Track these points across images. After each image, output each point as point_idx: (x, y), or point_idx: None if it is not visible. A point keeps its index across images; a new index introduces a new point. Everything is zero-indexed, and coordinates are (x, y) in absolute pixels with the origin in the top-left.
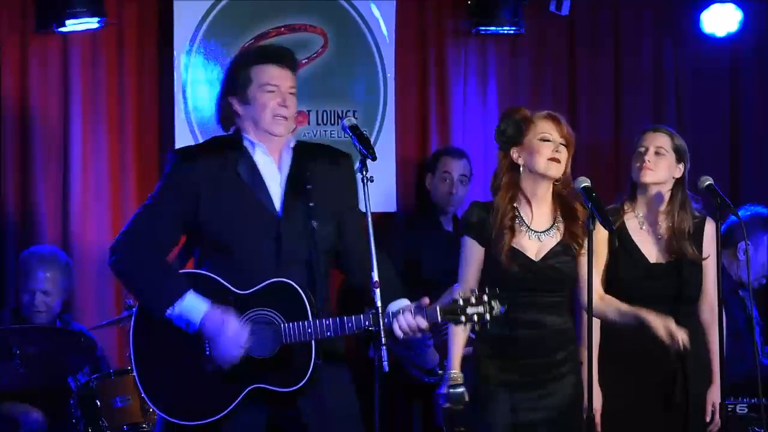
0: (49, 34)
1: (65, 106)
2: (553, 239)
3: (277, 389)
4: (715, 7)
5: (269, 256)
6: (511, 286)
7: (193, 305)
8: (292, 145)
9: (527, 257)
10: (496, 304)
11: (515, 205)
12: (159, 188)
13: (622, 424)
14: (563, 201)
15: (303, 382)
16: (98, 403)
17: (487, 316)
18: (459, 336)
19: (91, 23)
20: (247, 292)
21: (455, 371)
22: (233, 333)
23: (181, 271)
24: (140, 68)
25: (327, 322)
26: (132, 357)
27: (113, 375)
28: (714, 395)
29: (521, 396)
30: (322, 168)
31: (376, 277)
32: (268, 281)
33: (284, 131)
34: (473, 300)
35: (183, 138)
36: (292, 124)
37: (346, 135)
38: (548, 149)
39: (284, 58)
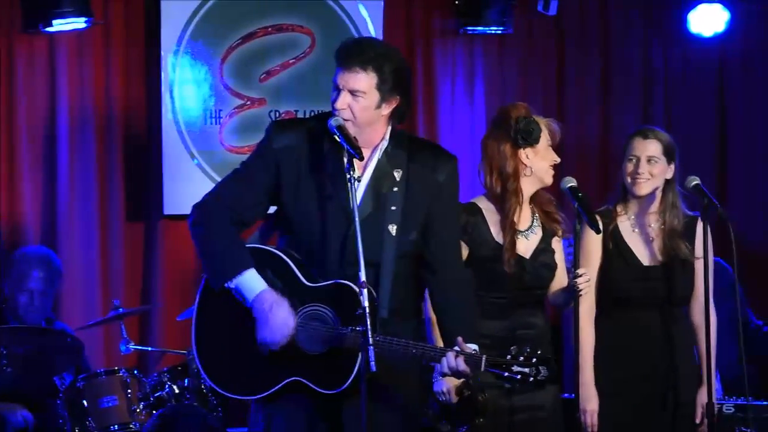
0: (36, 33)
1: (52, 105)
2: (536, 236)
3: (317, 388)
4: (702, 7)
5: (335, 253)
6: (509, 286)
7: (250, 283)
8: (385, 145)
9: (521, 257)
10: (543, 370)
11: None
12: (251, 155)
13: (615, 424)
14: (534, 198)
15: (342, 388)
16: (85, 404)
17: (531, 379)
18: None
19: (78, 23)
20: (312, 285)
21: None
22: (280, 319)
23: (260, 247)
24: (127, 68)
25: (376, 338)
26: (194, 321)
27: (101, 375)
28: (704, 396)
29: (519, 397)
30: (417, 169)
31: (363, 277)
32: (334, 281)
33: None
34: (522, 359)
35: (170, 138)
36: (360, 124)
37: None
38: (552, 156)
39: (350, 58)
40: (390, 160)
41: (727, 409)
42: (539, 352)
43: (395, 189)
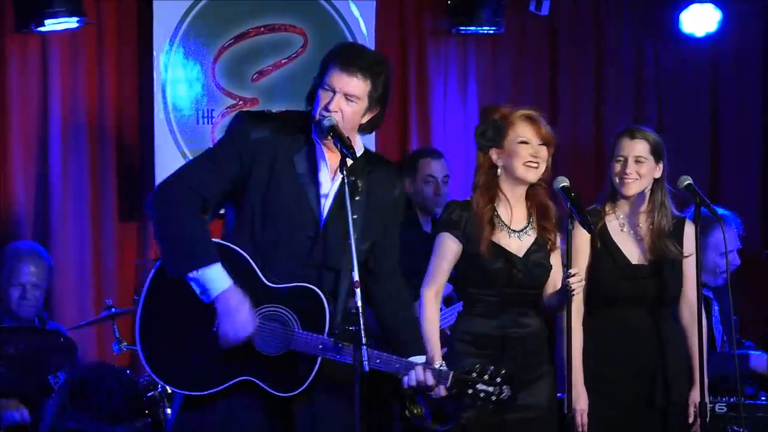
0: (29, 33)
1: (44, 105)
2: (530, 237)
3: (269, 389)
4: (694, 7)
5: (301, 254)
6: (497, 283)
7: (217, 278)
8: (359, 153)
9: (512, 254)
10: (506, 390)
11: (494, 204)
12: (221, 143)
13: (604, 424)
14: (535, 197)
15: (297, 391)
16: None
17: (493, 398)
18: (435, 329)
19: (71, 23)
20: (273, 286)
21: (441, 363)
22: (244, 319)
23: (222, 243)
24: (120, 67)
25: (339, 346)
26: (140, 308)
27: None
28: (696, 396)
29: None
30: (377, 183)
31: (356, 277)
32: (299, 284)
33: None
34: (486, 377)
35: (162, 137)
36: (344, 129)
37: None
38: (526, 152)
39: (351, 62)
40: (360, 168)
41: (719, 409)
42: (503, 371)
43: (357, 198)
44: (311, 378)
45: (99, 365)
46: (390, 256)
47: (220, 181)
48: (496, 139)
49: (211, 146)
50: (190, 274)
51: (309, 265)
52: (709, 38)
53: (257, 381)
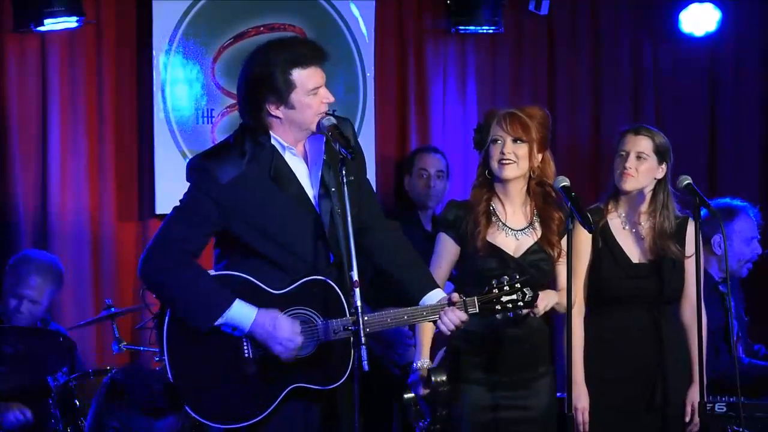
0: (28, 33)
1: (43, 105)
2: (530, 238)
3: (318, 387)
4: (693, 7)
5: (310, 255)
6: (490, 282)
7: (242, 313)
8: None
9: (506, 253)
10: (528, 291)
11: (491, 203)
12: (192, 196)
13: (603, 423)
14: (540, 204)
15: (343, 379)
16: (77, 403)
17: (521, 303)
18: (426, 328)
19: (70, 22)
20: (282, 291)
21: (424, 360)
22: (288, 331)
23: (213, 273)
24: (119, 67)
25: (372, 316)
26: (167, 363)
27: (92, 375)
28: (694, 395)
29: (503, 394)
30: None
31: (355, 276)
32: (303, 279)
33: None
34: (507, 288)
35: (162, 137)
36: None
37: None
38: (497, 151)
39: (320, 57)
40: (332, 157)
41: (719, 408)
42: (518, 276)
43: (333, 189)
44: (351, 362)
45: (130, 366)
46: (371, 205)
47: (203, 231)
48: (482, 142)
49: (183, 199)
50: (218, 323)
51: (320, 265)
52: (709, 38)
53: (304, 384)
